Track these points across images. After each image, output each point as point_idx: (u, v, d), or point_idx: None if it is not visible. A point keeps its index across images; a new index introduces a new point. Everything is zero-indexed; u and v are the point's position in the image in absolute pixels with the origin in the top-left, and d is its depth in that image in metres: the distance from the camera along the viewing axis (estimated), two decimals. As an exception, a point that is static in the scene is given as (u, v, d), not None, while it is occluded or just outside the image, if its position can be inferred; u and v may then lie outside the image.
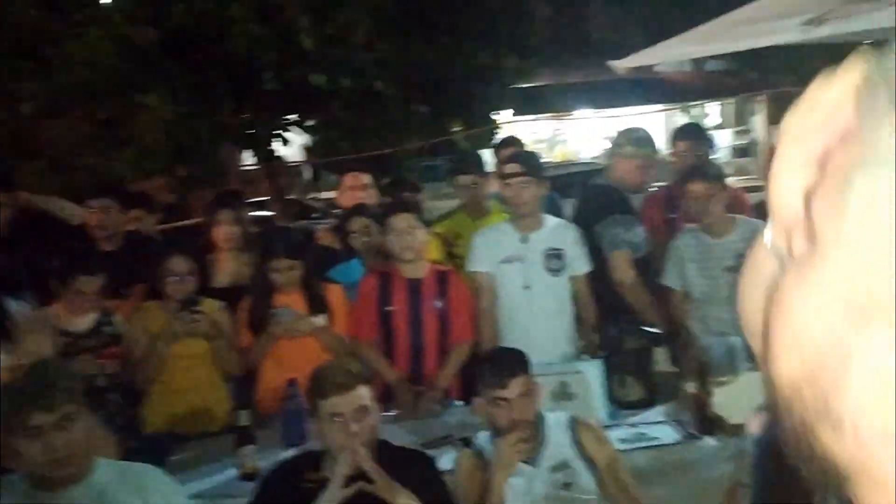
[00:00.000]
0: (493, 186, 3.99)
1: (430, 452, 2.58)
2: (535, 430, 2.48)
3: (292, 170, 11.14)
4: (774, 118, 10.76)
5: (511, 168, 3.41)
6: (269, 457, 2.89)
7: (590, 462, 2.50)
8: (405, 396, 3.28)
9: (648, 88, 13.24)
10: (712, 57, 13.50)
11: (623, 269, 3.44)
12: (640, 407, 3.11)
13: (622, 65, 3.54)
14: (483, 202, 4.02)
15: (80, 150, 5.65)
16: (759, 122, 14.44)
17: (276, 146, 7.70)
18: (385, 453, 2.33)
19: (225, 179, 5.22)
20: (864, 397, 0.42)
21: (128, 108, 5.70)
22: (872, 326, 0.39)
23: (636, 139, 3.78)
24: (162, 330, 3.22)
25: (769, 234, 0.39)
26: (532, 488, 2.46)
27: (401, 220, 3.34)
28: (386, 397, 3.16)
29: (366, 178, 4.18)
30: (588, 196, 3.87)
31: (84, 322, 3.26)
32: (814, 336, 0.45)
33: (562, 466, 2.49)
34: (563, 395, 3.01)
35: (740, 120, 15.29)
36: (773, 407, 0.51)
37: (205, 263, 4.05)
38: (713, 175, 3.43)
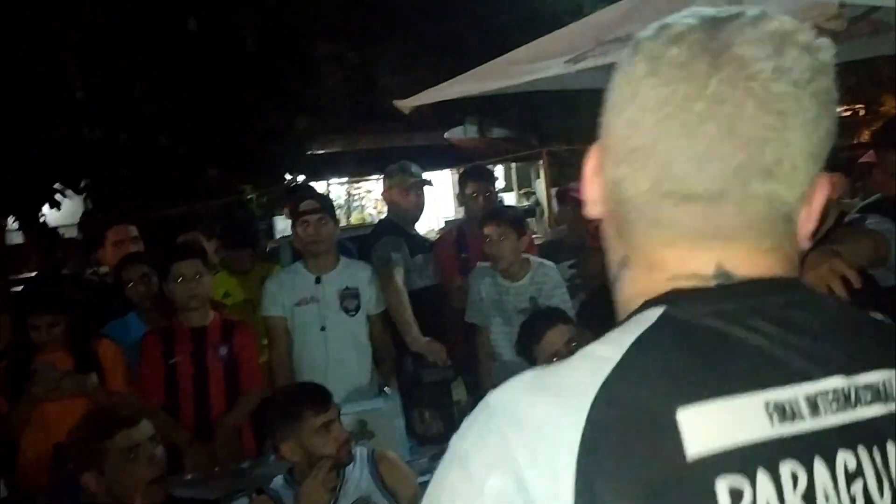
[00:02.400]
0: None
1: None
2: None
3: (68, 241, 10.25)
4: (553, 181, 11.57)
5: (307, 205, 3.34)
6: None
7: (391, 495, 2.42)
8: (197, 457, 3.02)
9: (438, 154, 13.77)
10: (497, 125, 14.42)
11: (385, 282, 3.43)
12: (440, 441, 3.08)
13: (407, 104, 3.63)
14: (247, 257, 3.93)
15: None
16: (540, 184, 15.47)
17: (45, 211, 7.06)
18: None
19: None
20: None
21: None
22: None
23: (391, 171, 3.88)
24: None
25: None
26: (330, 529, 2.34)
27: (186, 267, 3.14)
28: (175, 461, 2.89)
29: (133, 231, 3.88)
30: (370, 233, 3.93)
31: None
32: None
33: (362, 502, 2.39)
34: (362, 433, 2.91)
35: (524, 182, 16.31)
36: None
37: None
38: (508, 218, 3.40)
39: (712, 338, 0.62)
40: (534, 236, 4.43)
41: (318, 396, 2.39)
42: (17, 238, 9.15)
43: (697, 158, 0.63)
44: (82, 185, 6.81)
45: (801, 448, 0.60)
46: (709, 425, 0.58)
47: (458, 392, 3.25)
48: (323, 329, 3.33)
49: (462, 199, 4.15)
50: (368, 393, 3.29)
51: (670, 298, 0.65)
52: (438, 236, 4.16)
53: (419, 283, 3.61)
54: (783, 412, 0.60)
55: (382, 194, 3.87)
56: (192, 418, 3.16)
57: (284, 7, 7.56)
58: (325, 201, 3.46)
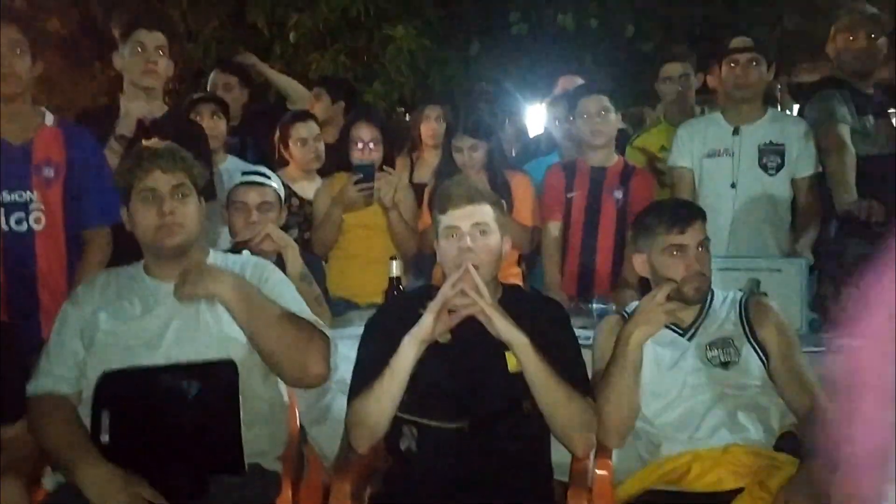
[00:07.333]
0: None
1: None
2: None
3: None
4: None
5: (739, 42, 2.96)
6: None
7: (760, 346, 2.07)
8: (554, 292, 3.01)
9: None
10: None
11: (826, 136, 2.88)
12: (853, 325, 2.52)
13: None
14: (688, 104, 3.58)
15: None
16: None
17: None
18: (512, 295, 2.11)
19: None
20: None
21: (378, 41, 5.99)
22: None
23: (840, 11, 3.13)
24: (337, 195, 3.25)
25: None
26: (681, 362, 2.10)
27: (592, 103, 3.07)
28: None
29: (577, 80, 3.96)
30: (809, 85, 3.27)
31: (311, 188, 3.40)
32: None
33: (721, 344, 2.10)
34: (752, 293, 2.53)
35: None
36: None
37: (411, 160, 4.09)
38: None
39: None
40: None
41: (677, 215, 2.12)
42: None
43: None
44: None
45: None
46: None
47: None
48: (733, 186, 2.97)
49: None
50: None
51: None
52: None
53: (864, 149, 2.95)
54: None
55: (828, 43, 3.18)
56: (576, 259, 3.17)
57: None
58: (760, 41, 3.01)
